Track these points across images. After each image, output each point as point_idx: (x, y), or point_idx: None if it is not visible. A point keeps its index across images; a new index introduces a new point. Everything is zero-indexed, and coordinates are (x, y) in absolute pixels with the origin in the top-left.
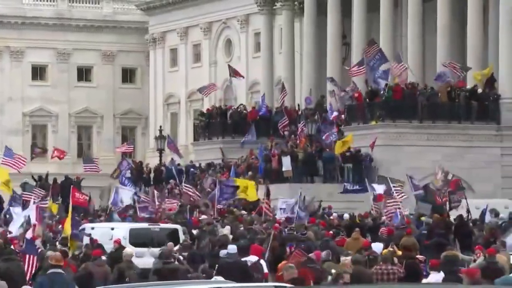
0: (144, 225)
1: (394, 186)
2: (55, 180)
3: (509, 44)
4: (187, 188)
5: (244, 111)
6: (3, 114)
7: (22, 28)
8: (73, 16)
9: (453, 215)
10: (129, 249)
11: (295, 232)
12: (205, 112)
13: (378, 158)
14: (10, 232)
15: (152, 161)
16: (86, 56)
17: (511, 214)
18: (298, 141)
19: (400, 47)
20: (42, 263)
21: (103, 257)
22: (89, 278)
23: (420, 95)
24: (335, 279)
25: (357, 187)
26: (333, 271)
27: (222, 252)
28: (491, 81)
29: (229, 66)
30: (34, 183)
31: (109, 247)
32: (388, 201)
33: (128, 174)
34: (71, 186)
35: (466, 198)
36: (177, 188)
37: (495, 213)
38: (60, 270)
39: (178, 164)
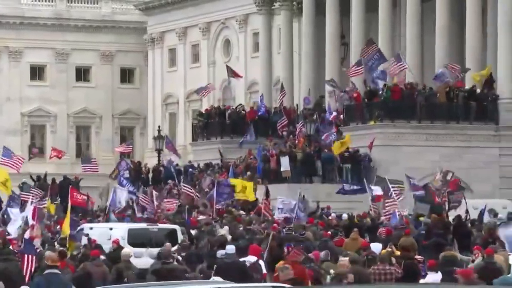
0: (143, 225)
1: (393, 187)
2: (53, 180)
3: (507, 45)
4: (186, 188)
5: (243, 111)
6: (1, 114)
7: (20, 28)
8: (71, 16)
9: (452, 215)
10: (127, 249)
11: (293, 233)
12: (203, 112)
13: (377, 158)
14: (9, 234)
15: (150, 161)
16: (84, 56)
17: (510, 214)
18: (296, 141)
19: (399, 47)
20: (41, 263)
21: (102, 257)
22: (88, 278)
23: (419, 96)
24: (339, 279)
25: (355, 187)
26: (331, 271)
27: (220, 253)
28: (489, 82)
29: (227, 66)
30: (33, 183)
31: (107, 247)
32: (387, 201)
33: (127, 175)
34: (70, 186)
35: (465, 198)
36: (176, 188)
37: (494, 213)
38: (56, 271)
39: (177, 165)
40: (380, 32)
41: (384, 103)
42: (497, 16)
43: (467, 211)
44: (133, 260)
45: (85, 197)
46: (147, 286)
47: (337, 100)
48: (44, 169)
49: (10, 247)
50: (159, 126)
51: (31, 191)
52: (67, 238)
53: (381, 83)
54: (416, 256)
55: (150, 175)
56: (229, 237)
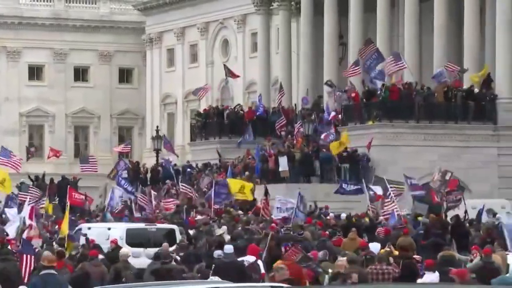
0: (141, 225)
1: (391, 187)
2: (51, 180)
3: (506, 44)
4: (184, 188)
5: (241, 111)
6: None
7: (18, 28)
8: (70, 16)
9: (451, 215)
10: (126, 249)
11: (291, 232)
12: (202, 112)
13: (375, 158)
14: (7, 234)
15: (148, 161)
16: (83, 56)
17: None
18: (294, 141)
19: (397, 47)
20: (39, 264)
21: (100, 256)
22: (86, 278)
23: (417, 95)
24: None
25: (353, 187)
26: (330, 271)
27: (216, 253)
28: (487, 81)
29: (225, 66)
30: (31, 183)
31: (105, 247)
32: (385, 201)
33: (125, 174)
34: (68, 186)
35: (464, 199)
36: (174, 188)
37: (492, 213)
38: (53, 271)
39: (175, 165)
40: (378, 32)
41: (383, 103)
42: (495, 16)
43: (466, 212)
44: (131, 260)
45: (83, 197)
46: (146, 286)
47: (336, 100)
48: (42, 169)
49: (9, 247)
50: (157, 126)
51: (29, 191)
52: (66, 238)
53: (379, 83)
54: (415, 256)
55: (148, 175)
56: (227, 237)
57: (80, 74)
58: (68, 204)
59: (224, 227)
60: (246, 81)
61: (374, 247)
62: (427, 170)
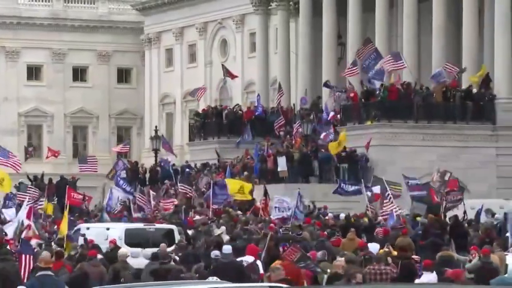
0: (140, 225)
1: (390, 188)
2: (50, 180)
3: (504, 45)
4: (183, 188)
5: (240, 111)
6: None
7: (17, 28)
8: (68, 16)
9: (450, 215)
10: (124, 249)
11: (290, 233)
12: (200, 112)
13: (374, 158)
14: (6, 234)
15: (147, 161)
16: (81, 56)
17: (506, 214)
18: (293, 141)
19: (396, 47)
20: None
21: (99, 256)
22: (85, 278)
23: (416, 96)
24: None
25: (351, 188)
26: (328, 271)
27: (214, 253)
28: (486, 81)
29: (223, 66)
30: (29, 183)
31: (104, 247)
32: (384, 201)
33: (123, 175)
34: (67, 186)
35: (463, 199)
36: (173, 188)
37: (491, 213)
38: (49, 272)
39: (173, 165)
40: (377, 32)
41: (381, 103)
42: (494, 16)
43: (465, 212)
44: (130, 260)
45: (81, 196)
46: (144, 286)
47: (335, 100)
48: (41, 169)
49: (8, 247)
50: (156, 126)
51: (28, 191)
52: (65, 238)
53: (377, 83)
54: (413, 256)
55: (147, 175)
56: (226, 237)
57: (79, 74)
58: (68, 204)
59: (223, 227)
60: (244, 81)
61: (373, 247)
62: (425, 170)
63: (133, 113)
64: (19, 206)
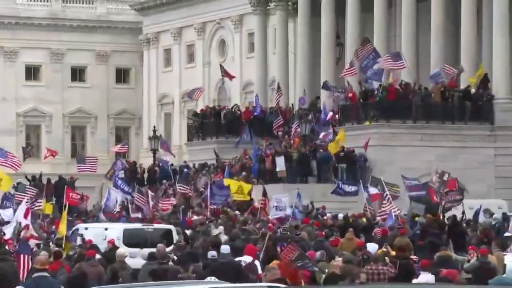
0: (138, 225)
1: (389, 189)
2: (48, 180)
3: (503, 45)
4: (181, 187)
5: (238, 112)
6: None
7: (15, 28)
8: (67, 16)
9: (449, 215)
10: (122, 249)
11: (288, 233)
12: (198, 112)
13: (372, 159)
14: (4, 234)
15: (145, 161)
16: (80, 56)
17: (505, 214)
18: (291, 142)
19: (394, 47)
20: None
21: (98, 256)
22: (83, 278)
23: (414, 96)
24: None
25: (349, 189)
26: (326, 271)
27: (210, 253)
28: (484, 82)
29: (221, 66)
30: (28, 183)
31: (103, 247)
32: (383, 201)
33: (122, 175)
34: (65, 186)
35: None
36: (171, 188)
37: (489, 214)
38: (45, 274)
39: (171, 165)
40: (375, 32)
41: (380, 103)
42: (492, 16)
43: (463, 212)
44: (128, 260)
45: (79, 196)
46: (142, 286)
47: (334, 100)
48: (39, 169)
49: (6, 247)
50: (154, 126)
51: (26, 191)
52: (64, 238)
53: (376, 83)
54: (412, 256)
55: (146, 175)
56: (224, 237)
57: (77, 74)
58: (67, 204)
59: (221, 228)
60: (243, 81)
61: (372, 247)
62: (424, 170)
63: (131, 113)
64: (18, 206)
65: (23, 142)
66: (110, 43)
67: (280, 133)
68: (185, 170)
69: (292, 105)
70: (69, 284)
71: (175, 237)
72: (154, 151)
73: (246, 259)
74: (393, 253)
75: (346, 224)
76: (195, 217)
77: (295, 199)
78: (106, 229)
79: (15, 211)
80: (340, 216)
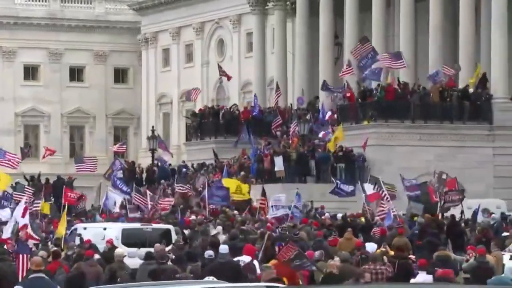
0: (137, 225)
1: (387, 188)
2: (47, 180)
3: (501, 44)
4: (181, 188)
5: (237, 111)
6: None
7: (14, 28)
8: (65, 16)
9: (449, 215)
10: (121, 249)
11: (287, 232)
12: (197, 112)
13: (370, 158)
14: (2, 232)
15: (144, 161)
16: (78, 56)
17: (503, 214)
18: (290, 141)
19: (393, 47)
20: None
21: (96, 256)
22: (81, 278)
23: (413, 95)
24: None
25: (348, 189)
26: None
27: (207, 253)
28: (483, 81)
29: (219, 65)
30: (26, 183)
31: (101, 247)
32: (381, 201)
33: (120, 175)
34: (64, 186)
35: (463, 198)
36: (170, 188)
37: (488, 213)
38: (41, 275)
39: (170, 165)
40: (373, 32)
41: (378, 103)
42: (490, 16)
43: (462, 212)
44: (127, 260)
45: (78, 196)
46: (141, 286)
47: (332, 100)
48: (37, 169)
49: (5, 247)
50: (153, 126)
51: (24, 191)
52: (62, 238)
53: (374, 83)
54: (410, 256)
55: (144, 175)
56: (223, 237)
57: (76, 74)
58: (66, 204)
59: (220, 227)
60: (241, 81)
61: (371, 247)
62: (422, 170)
63: (130, 113)
64: (16, 206)
65: (21, 142)
66: (109, 43)
67: (278, 133)
68: (184, 170)
69: (291, 105)
70: (68, 284)
71: (174, 237)
72: (153, 151)
73: (244, 259)
74: (392, 252)
75: (344, 224)
76: (193, 217)
77: (294, 199)
78: (104, 229)
79: (12, 210)
80: (339, 216)
